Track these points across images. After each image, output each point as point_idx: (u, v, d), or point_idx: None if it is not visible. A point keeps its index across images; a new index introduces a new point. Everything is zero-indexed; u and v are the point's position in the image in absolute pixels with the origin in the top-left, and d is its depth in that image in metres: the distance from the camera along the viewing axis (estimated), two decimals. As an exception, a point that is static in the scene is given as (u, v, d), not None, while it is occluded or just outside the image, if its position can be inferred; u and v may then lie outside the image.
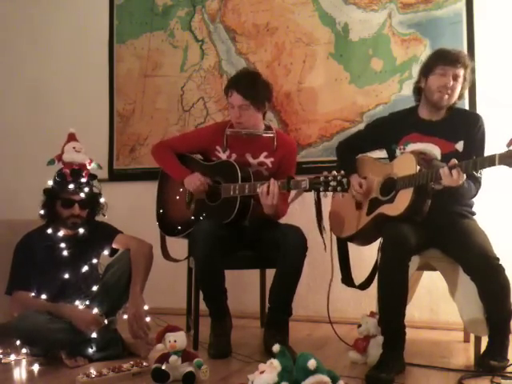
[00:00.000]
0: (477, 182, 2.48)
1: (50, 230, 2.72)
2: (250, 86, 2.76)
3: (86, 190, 2.74)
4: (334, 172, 2.43)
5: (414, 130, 2.57)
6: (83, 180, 2.74)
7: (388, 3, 3.39)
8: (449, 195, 2.37)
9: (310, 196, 2.56)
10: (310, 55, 3.54)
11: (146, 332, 2.55)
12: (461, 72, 2.48)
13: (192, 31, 3.82)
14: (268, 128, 2.89)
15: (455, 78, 2.48)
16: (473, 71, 2.56)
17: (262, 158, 2.85)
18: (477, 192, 2.51)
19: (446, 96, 2.49)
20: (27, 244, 2.71)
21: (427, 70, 2.55)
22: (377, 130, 2.72)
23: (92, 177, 2.80)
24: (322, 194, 2.45)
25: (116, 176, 3.93)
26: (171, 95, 3.85)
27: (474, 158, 2.27)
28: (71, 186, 2.69)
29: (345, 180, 2.40)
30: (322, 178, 2.43)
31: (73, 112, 4.02)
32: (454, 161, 2.25)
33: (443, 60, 2.50)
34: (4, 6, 4.30)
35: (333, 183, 2.40)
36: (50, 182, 2.74)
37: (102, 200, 2.83)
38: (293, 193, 2.70)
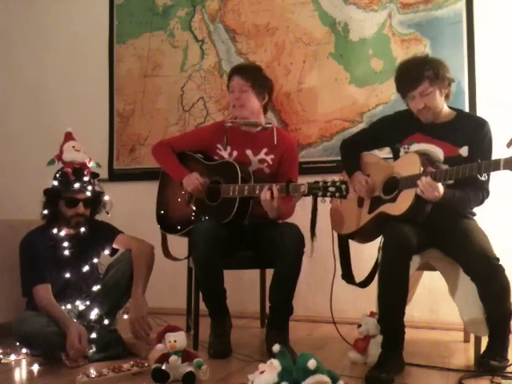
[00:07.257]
0: (483, 189, 2.44)
1: (51, 230, 2.71)
2: (252, 70, 2.87)
3: (89, 188, 2.73)
4: (334, 178, 2.42)
5: (417, 131, 2.55)
6: (86, 179, 2.73)
7: (388, 3, 3.39)
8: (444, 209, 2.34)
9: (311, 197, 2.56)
10: (310, 55, 3.54)
11: (148, 333, 2.55)
12: (426, 85, 2.42)
13: (192, 31, 3.82)
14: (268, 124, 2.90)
15: (423, 94, 2.43)
16: (436, 69, 2.43)
17: (262, 155, 2.85)
18: (482, 199, 2.45)
19: (429, 114, 2.48)
20: (30, 243, 2.70)
21: (400, 94, 2.55)
22: (381, 129, 2.71)
23: (94, 175, 2.80)
24: (320, 199, 2.44)
25: (116, 176, 3.93)
26: (171, 95, 3.85)
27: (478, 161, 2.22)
28: (77, 185, 2.68)
29: (343, 186, 2.38)
30: (320, 183, 2.42)
31: (73, 112, 4.02)
32: (430, 169, 2.24)
33: (404, 87, 2.49)
34: (3, 6, 4.30)
35: (331, 189, 2.39)
36: (55, 182, 2.70)
37: (106, 198, 2.82)
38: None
